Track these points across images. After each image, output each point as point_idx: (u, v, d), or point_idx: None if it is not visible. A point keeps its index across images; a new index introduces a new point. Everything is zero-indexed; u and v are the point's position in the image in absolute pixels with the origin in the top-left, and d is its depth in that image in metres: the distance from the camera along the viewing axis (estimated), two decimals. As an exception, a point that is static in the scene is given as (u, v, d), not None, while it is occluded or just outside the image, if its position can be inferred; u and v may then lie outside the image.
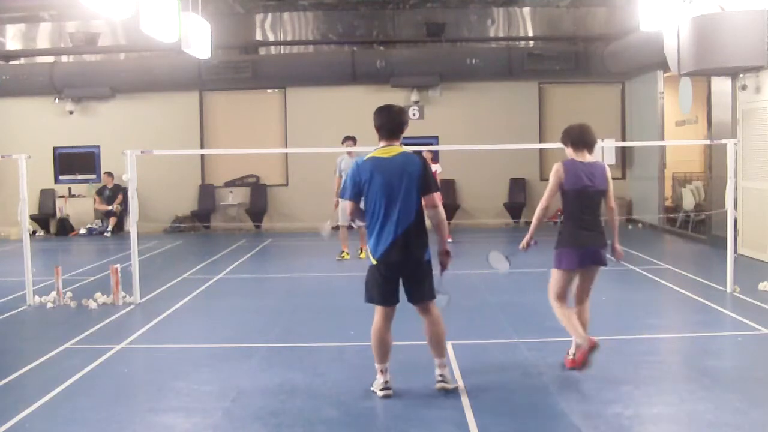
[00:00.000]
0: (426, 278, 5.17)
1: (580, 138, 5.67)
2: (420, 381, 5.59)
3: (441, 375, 5.28)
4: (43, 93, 17.07)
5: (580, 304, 5.81)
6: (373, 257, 5.12)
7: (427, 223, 5.21)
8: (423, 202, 5.12)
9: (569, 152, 5.70)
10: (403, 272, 5.13)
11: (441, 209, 5.22)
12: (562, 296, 5.72)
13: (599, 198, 5.62)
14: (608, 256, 5.70)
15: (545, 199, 5.63)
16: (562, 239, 5.63)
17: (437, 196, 5.24)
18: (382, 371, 5.26)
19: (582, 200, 5.55)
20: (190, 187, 17.44)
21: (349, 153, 11.61)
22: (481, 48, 17.30)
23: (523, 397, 5.19)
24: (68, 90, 16.98)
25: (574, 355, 5.69)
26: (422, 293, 5.19)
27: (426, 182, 5.12)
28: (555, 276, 5.70)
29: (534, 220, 5.66)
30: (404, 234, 5.03)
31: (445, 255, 5.20)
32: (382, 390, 5.22)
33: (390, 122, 5.18)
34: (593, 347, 5.47)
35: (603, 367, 5.84)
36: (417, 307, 5.27)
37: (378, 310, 5.22)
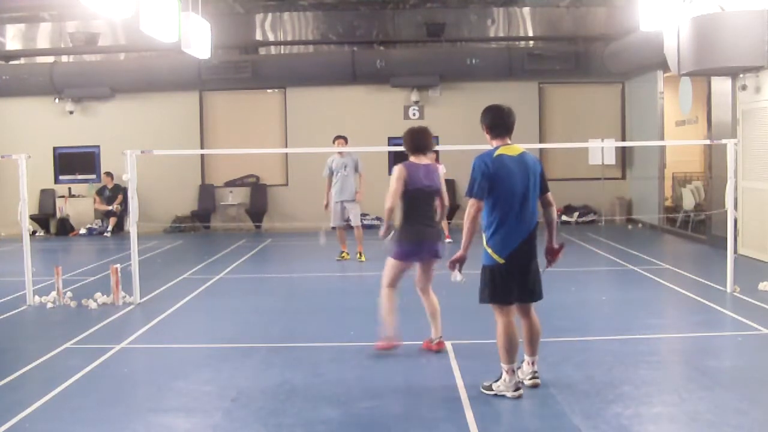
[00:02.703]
0: (539, 277, 5.22)
1: (417, 142, 6.12)
2: (420, 381, 5.60)
3: (535, 371, 5.36)
4: (43, 93, 17.05)
5: (425, 294, 6.22)
6: (500, 257, 5.03)
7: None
8: (543, 201, 5.25)
9: (411, 156, 6.16)
10: (525, 270, 5.13)
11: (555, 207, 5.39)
12: (393, 284, 6.21)
13: (435, 196, 6.16)
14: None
15: (390, 200, 6.05)
16: (402, 234, 6.07)
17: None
18: (512, 371, 5.12)
19: (420, 199, 6.05)
20: (190, 187, 17.43)
21: (339, 153, 11.59)
22: (481, 48, 17.29)
23: (523, 397, 5.19)
24: (68, 90, 16.97)
25: (432, 340, 6.25)
26: (537, 292, 5.23)
27: (545, 181, 5.26)
28: (391, 265, 6.19)
29: (385, 218, 6.17)
30: (532, 232, 5.10)
31: (556, 252, 5.31)
32: (516, 390, 5.10)
33: (504, 121, 5.24)
34: (393, 347, 6.17)
35: (603, 367, 5.85)
36: (523, 307, 5.27)
37: (503, 311, 5.14)
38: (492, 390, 5.18)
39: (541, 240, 5.26)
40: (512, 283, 5.10)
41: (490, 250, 5.08)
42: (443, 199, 6.28)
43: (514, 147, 5.21)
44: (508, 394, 5.10)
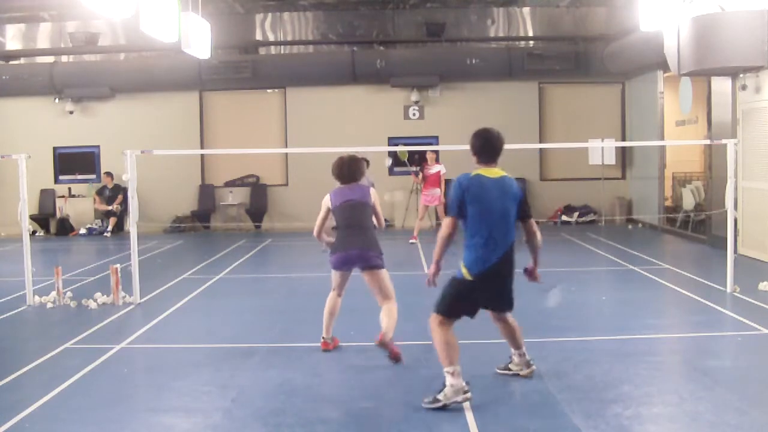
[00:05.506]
0: (511, 291, 5.25)
1: (341, 174, 6.44)
2: (420, 381, 5.60)
3: (528, 360, 5.56)
4: (43, 93, 17.07)
5: (381, 304, 6.21)
6: (470, 273, 5.05)
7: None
8: (526, 228, 5.23)
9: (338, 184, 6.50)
10: (494, 289, 5.18)
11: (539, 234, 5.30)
12: (335, 288, 6.60)
13: (362, 209, 6.31)
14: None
15: (318, 224, 6.50)
16: (333, 246, 6.40)
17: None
18: (457, 373, 4.98)
19: (345, 212, 6.29)
20: (190, 187, 17.44)
21: None
22: (481, 48, 17.30)
23: (523, 397, 5.19)
24: (68, 90, 16.99)
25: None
26: (507, 305, 5.32)
27: (527, 207, 5.27)
28: (332, 275, 6.56)
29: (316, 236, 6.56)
30: (505, 254, 5.09)
31: (537, 276, 5.38)
32: (465, 393, 4.95)
33: (491, 146, 5.20)
34: (326, 348, 6.47)
35: (603, 367, 5.85)
36: (496, 314, 5.42)
37: (446, 323, 5.11)
38: (440, 401, 4.94)
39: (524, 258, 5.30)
40: (478, 300, 5.14)
41: (462, 265, 5.10)
42: (377, 216, 6.46)
43: (495, 170, 5.18)
44: (459, 399, 4.95)
